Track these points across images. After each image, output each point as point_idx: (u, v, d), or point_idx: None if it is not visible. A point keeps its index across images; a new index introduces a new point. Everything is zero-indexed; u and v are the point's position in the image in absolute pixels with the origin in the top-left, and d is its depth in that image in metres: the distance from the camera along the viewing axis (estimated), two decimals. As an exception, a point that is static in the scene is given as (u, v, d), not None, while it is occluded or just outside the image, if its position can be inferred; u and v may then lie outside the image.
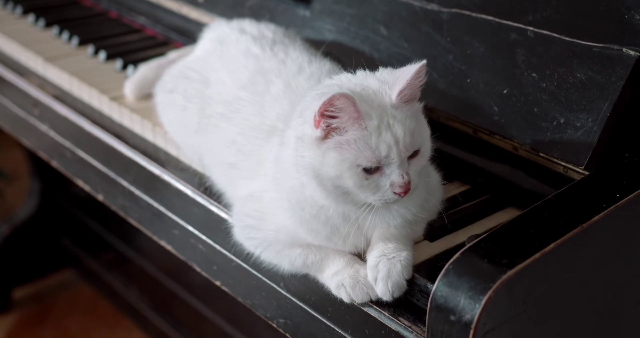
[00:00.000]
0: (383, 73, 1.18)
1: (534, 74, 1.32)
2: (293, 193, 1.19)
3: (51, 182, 2.97)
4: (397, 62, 1.48)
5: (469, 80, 1.39)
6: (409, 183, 1.13)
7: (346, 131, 1.11)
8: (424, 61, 1.14)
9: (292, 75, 1.35)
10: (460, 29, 1.42)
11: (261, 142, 1.28)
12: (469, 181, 1.42)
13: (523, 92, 1.32)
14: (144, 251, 2.74)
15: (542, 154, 1.30)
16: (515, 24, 1.36)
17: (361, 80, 1.17)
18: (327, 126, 1.11)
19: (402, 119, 1.13)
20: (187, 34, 1.99)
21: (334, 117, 1.11)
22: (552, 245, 1.08)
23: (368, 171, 1.12)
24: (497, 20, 1.38)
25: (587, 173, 1.24)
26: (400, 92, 1.13)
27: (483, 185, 1.41)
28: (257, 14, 1.76)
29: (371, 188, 1.13)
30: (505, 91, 1.34)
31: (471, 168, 1.42)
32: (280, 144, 1.21)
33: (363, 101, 1.13)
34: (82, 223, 2.96)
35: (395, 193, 1.13)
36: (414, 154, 1.15)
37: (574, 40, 1.29)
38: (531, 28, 1.34)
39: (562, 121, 1.27)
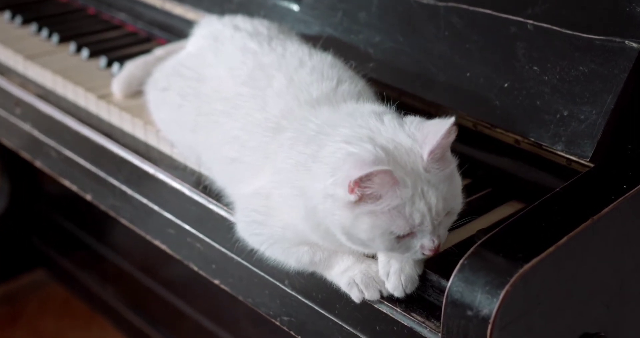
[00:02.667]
0: (411, 126, 1.14)
1: (535, 67, 1.32)
2: (313, 213, 1.16)
3: (20, 181, 2.93)
4: (394, 57, 1.49)
5: (468, 74, 1.39)
6: (439, 244, 1.12)
7: (380, 198, 1.08)
8: (452, 119, 1.10)
9: (293, 69, 1.33)
10: (458, 22, 1.42)
11: (268, 139, 1.26)
12: (469, 175, 1.42)
13: (524, 85, 1.32)
14: (118, 249, 2.71)
15: (545, 147, 1.30)
16: (514, 18, 1.36)
17: (392, 134, 1.13)
18: (362, 193, 1.08)
19: (436, 183, 1.10)
20: (171, 30, 1.96)
21: (369, 187, 1.08)
22: (565, 239, 1.09)
23: (400, 236, 1.11)
24: (495, 13, 1.38)
25: (591, 165, 1.25)
26: (431, 152, 1.10)
27: (484, 179, 1.41)
28: (245, 9, 1.74)
29: (402, 250, 1.12)
30: (506, 85, 1.34)
31: (471, 161, 1.42)
32: (306, 168, 1.16)
33: (397, 164, 1.09)
34: (54, 222, 2.92)
35: (424, 254, 1.12)
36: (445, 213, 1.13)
37: (575, 33, 1.29)
38: (531, 21, 1.34)
39: (565, 114, 1.28)
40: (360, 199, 1.09)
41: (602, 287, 1.21)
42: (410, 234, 1.11)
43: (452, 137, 1.12)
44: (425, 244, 1.11)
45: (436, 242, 1.11)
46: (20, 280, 3.02)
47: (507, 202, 1.37)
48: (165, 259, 2.45)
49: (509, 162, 1.38)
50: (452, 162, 1.15)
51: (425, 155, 1.10)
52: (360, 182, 1.07)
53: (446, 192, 1.11)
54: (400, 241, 1.11)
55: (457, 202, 1.15)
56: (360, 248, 1.16)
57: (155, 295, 2.60)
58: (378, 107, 1.24)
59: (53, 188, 2.85)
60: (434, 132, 1.10)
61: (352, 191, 1.08)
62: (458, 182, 1.16)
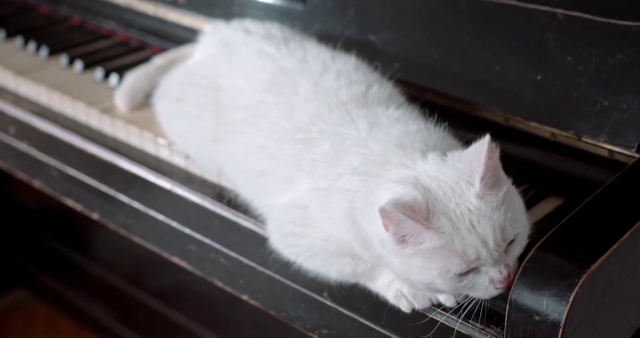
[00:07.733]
0: (454, 160, 1.07)
1: (569, 58, 1.28)
2: (365, 242, 1.11)
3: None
4: (415, 55, 1.44)
5: (497, 68, 1.35)
6: (509, 274, 1.04)
7: (423, 239, 1.02)
8: (488, 137, 1.03)
9: (317, 74, 1.28)
10: (482, 16, 1.38)
11: (300, 152, 1.20)
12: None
13: (559, 76, 1.29)
14: (104, 261, 2.63)
15: (584, 139, 1.26)
16: (542, 8, 1.32)
17: (436, 172, 1.06)
18: (401, 235, 1.02)
19: (489, 213, 1.02)
20: (166, 37, 1.89)
21: (404, 228, 1.02)
22: (627, 234, 1.05)
23: (460, 274, 1.04)
24: (521, 4, 1.34)
25: (636, 155, 1.21)
26: (483, 178, 1.03)
27: (519, 175, 1.36)
28: (248, 12, 1.68)
29: (468, 288, 1.05)
30: (539, 77, 1.30)
31: (505, 157, 1.37)
32: (355, 206, 1.11)
33: (440, 203, 1.03)
34: (35, 239, 2.83)
35: (497, 288, 1.05)
36: (511, 241, 1.05)
37: (609, 20, 1.26)
38: (560, 10, 1.30)
39: (605, 104, 1.24)
40: (405, 241, 1.03)
41: (657, 280, 1.18)
42: (473, 270, 1.04)
43: (497, 155, 1.05)
44: (494, 277, 1.04)
45: (504, 272, 1.04)
46: (2, 300, 2.91)
47: (545, 198, 1.32)
48: (154, 269, 2.39)
49: (545, 156, 1.33)
50: (506, 183, 1.07)
51: (477, 184, 1.03)
52: (393, 223, 1.01)
53: (503, 219, 1.03)
54: (464, 279, 1.04)
55: (521, 226, 1.06)
56: (426, 291, 1.11)
57: (146, 306, 2.53)
58: (424, 128, 1.17)
59: (30, 204, 2.77)
60: (477, 157, 1.04)
61: (386, 228, 1.03)
62: (518, 204, 1.08)
